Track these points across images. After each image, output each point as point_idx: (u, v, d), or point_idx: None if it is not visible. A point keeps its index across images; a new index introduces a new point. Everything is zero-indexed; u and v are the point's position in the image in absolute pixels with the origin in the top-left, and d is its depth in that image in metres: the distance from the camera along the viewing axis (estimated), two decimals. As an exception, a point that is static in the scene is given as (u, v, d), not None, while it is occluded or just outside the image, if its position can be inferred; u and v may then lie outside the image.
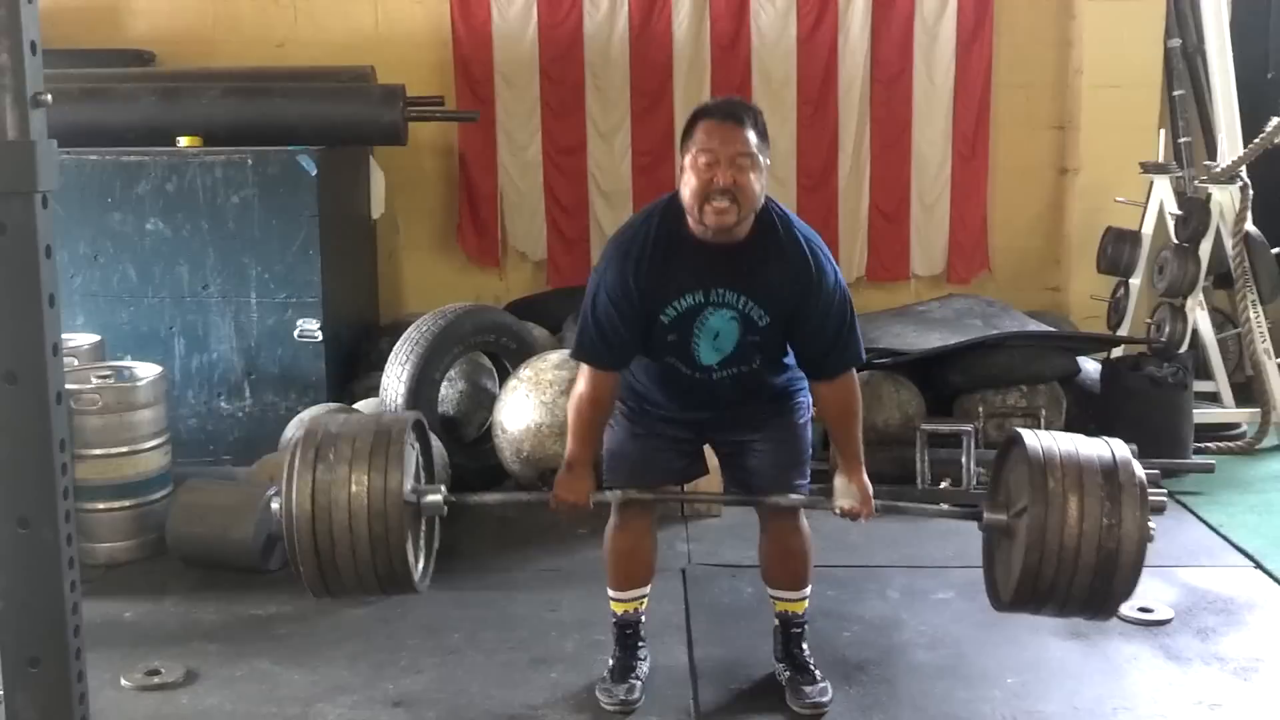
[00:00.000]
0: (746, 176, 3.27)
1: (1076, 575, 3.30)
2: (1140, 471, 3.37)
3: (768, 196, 3.42)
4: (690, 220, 3.36)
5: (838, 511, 3.58)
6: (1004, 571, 3.59)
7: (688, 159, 3.32)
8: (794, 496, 3.63)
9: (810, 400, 3.70)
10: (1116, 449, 3.42)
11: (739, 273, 3.39)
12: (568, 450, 3.61)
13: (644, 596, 3.86)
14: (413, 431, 3.55)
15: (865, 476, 3.60)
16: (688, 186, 3.31)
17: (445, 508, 3.59)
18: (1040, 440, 3.45)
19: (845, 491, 3.58)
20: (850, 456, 3.60)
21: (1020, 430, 3.53)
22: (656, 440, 3.66)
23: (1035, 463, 3.36)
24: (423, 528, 3.65)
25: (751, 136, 3.30)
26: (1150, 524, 3.30)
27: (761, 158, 3.33)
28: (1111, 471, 3.34)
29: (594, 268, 3.58)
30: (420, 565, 3.59)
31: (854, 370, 3.57)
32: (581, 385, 3.56)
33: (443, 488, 3.61)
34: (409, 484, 3.45)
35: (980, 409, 5.84)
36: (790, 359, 3.62)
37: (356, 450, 3.38)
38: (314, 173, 5.58)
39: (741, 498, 3.76)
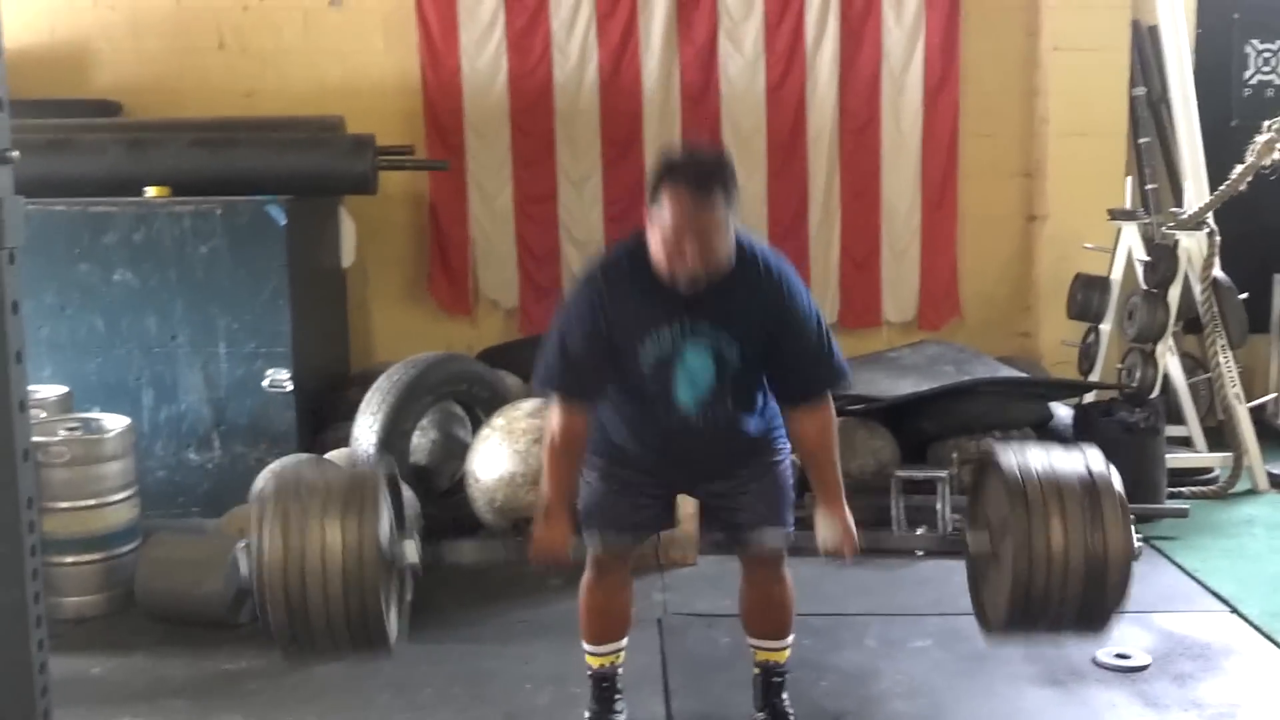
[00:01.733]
0: (713, 247, 3.26)
1: (1068, 582, 3.27)
2: (1118, 482, 3.36)
3: (739, 229, 3.40)
4: (658, 270, 3.35)
5: (822, 552, 3.54)
6: (992, 593, 3.54)
7: (656, 221, 3.29)
8: (777, 537, 3.58)
9: (789, 446, 3.68)
10: (1091, 460, 3.42)
11: (711, 302, 3.36)
12: (542, 497, 3.55)
13: (621, 650, 3.82)
14: (386, 483, 3.50)
15: (847, 511, 3.56)
16: (655, 247, 3.29)
17: (419, 562, 3.54)
18: (1015, 455, 3.43)
19: (828, 529, 3.54)
20: (830, 489, 3.56)
21: (993, 446, 3.51)
22: (632, 493, 3.60)
23: (1011, 477, 3.35)
24: (394, 582, 3.58)
25: (719, 207, 3.25)
26: (1135, 537, 3.31)
27: (730, 219, 3.29)
28: (1089, 481, 3.34)
29: (564, 300, 3.55)
30: (393, 621, 3.52)
31: (830, 397, 3.54)
32: (552, 422, 3.49)
33: (417, 540, 3.55)
34: (383, 535, 3.39)
35: (954, 455, 5.83)
36: (769, 405, 3.60)
37: (330, 498, 3.32)
38: (283, 223, 5.55)
39: (725, 538, 3.67)
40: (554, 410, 3.49)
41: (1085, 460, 3.42)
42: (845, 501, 3.57)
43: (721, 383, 3.44)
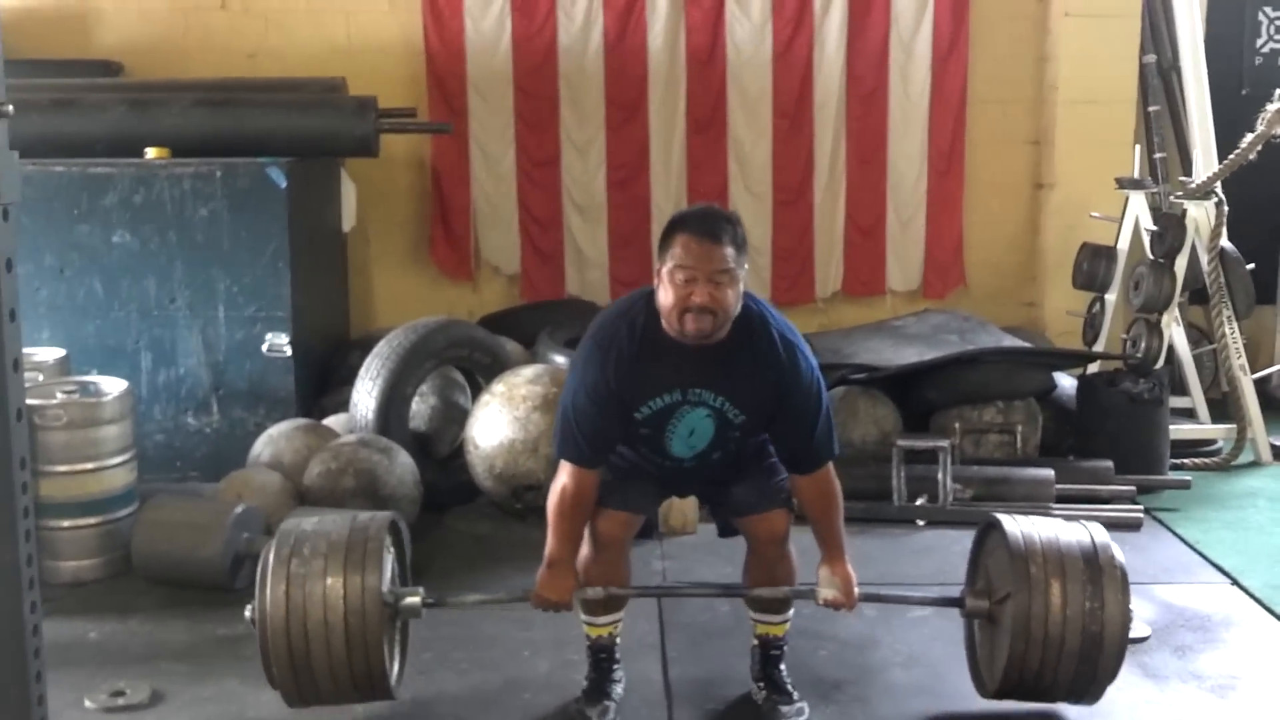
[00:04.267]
0: (724, 292, 3.30)
1: (1062, 662, 3.39)
2: (1120, 555, 3.46)
3: (747, 293, 3.44)
4: (667, 325, 3.38)
5: (821, 602, 3.61)
6: (988, 659, 3.66)
7: (665, 270, 3.34)
8: (780, 589, 3.69)
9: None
10: (1095, 533, 3.52)
11: (717, 373, 3.42)
12: (549, 549, 3.57)
13: (619, 620, 3.82)
14: (389, 532, 3.52)
15: (849, 566, 3.64)
16: (665, 298, 3.33)
17: (422, 610, 3.57)
18: (1019, 526, 3.53)
19: (829, 582, 3.61)
20: (833, 547, 3.64)
21: (998, 515, 3.61)
22: (628, 475, 3.67)
23: (1016, 550, 3.45)
24: (396, 631, 3.64)
25: (729, 252, 3.31)
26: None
27: (739, 270, 3.34)
28: (1092, 556, 3.44)
29: (572, 361, 3.60)
30: (395, 669, 3.58)
31: (830, 464, 3.59)
32: (564, 481, 3.53)
33: (420, 590, 3.59)
34: (386, 584, 3.44)
35: (957, 425, 5.81)
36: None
37: (332, 548, 3.39)
38: (284, 185, 5.52)
39: (727, 589, 3.90)
40: (564, 471, 3.54)
41: (1090, 536, 3.50)
42: (847, 557, 3.64)
43: (721, 444, 3.53)
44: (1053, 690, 3.48)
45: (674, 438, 3.51)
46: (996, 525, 3.58)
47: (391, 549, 3.59)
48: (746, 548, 3.80)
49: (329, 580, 3.33)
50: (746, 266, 3.41)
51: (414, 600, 3.54)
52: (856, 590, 3.62)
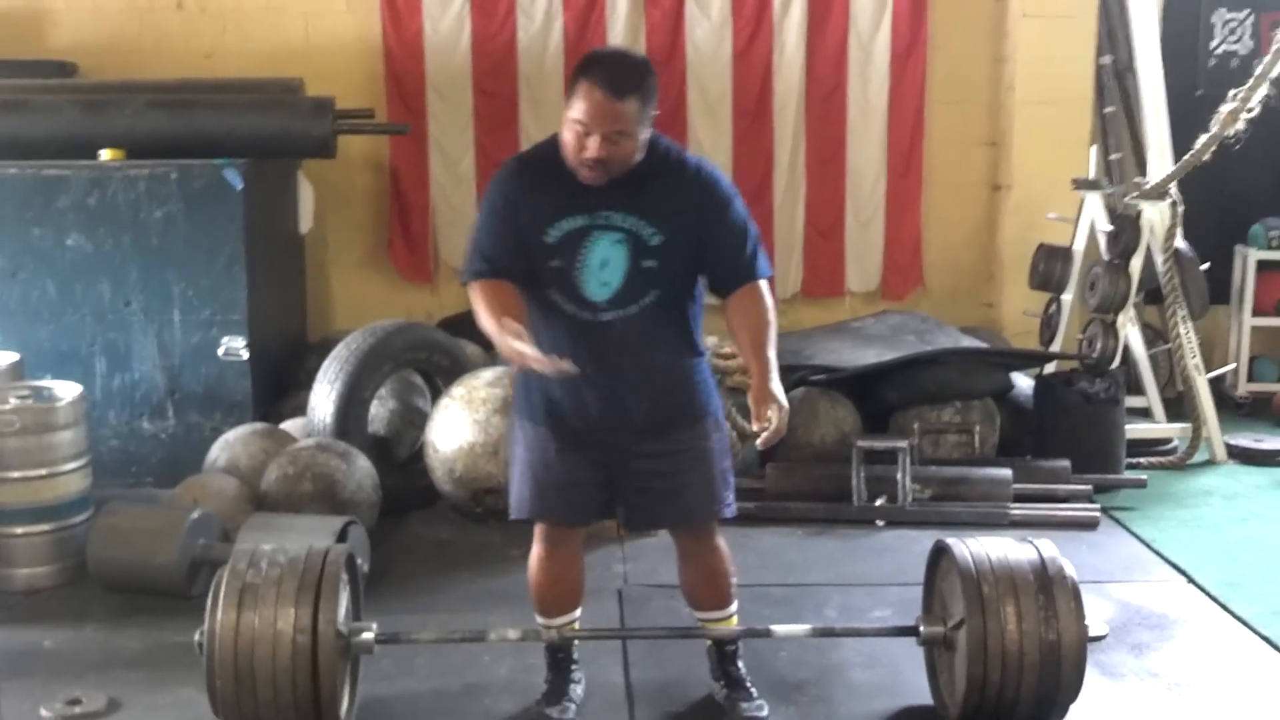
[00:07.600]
0: (618, 149, 3.25)
1: (1023, 676, 3.38)
2: (1070, 569, 3.48)
3: (655, 132, 3.38)
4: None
5: (756, 427, 3.31)
6: (949, 684, 3.65)
7: (567, 114, 3.27)
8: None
9: (725, 426, 3.67)
10: (1043, 548, 3.55)
11: (626, 192, 3.34)
12: (490, 325, 3.30)
13: (574, 621, 3.81)
14: (344, 567, 3.48)
15: (778, 386, 3.32)
16: (564, 139, 3.31)
17: (375, 647, 3.53)
18: (969, 548, 3.54)
19: (762, 405, 3.29)
20: (765, 370, 3.34)
21: (947, 540, 3.61)
22: (568, 460, 3.51)
23: (967, 573, 3.45)
24: (348, 665, 3.59)
25: (631, 110, 3.22)
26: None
27: (641, 126, 3.27)
28: (1041, 570, 3.46)
29: None
30: (345, 705, 3.51)
31: (763, 281, 3.47)
32: (475, 293, 3.38)
33: (374, 625, 3.54)
34: (340, 619, 3.39)
35: (916, 425, 5.84)
36: (697, 346, 3.56)
37: (285, 579, 3.32)
38: (240, 187, 5.48)
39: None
40: (472, 291, 3.40)
41: (1038, 552, 3.53)
42: (779, 382, 3.35)
43: (636, 282, 3.38)
44: (1016, 709, 3.45)
45: (586, 270, 3.34)
46: (946, 550, 3.58)
47: (348, 583, 3.52)
48: (677, 553, 3.79)
49: (281, 607, 3.26)
50: (651, 115, 3.30)
51: (368, 636, 3.49)
52: (785, 413, 3.31)
